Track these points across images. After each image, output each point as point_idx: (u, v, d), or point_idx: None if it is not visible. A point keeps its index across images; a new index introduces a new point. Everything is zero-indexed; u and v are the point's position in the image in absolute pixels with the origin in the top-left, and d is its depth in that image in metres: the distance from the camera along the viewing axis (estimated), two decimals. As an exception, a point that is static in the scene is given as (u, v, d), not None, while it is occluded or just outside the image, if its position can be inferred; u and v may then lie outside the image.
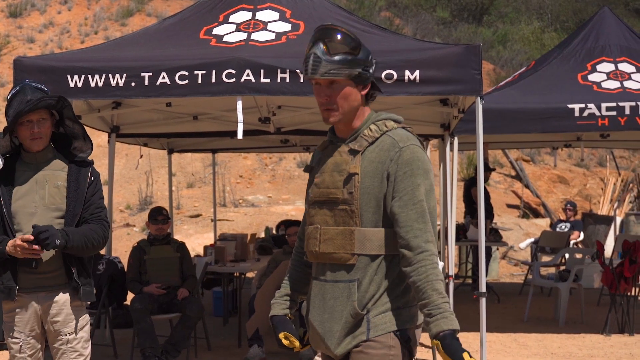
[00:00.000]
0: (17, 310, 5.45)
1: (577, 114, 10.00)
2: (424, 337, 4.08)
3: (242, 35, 8.12)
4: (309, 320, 4.04)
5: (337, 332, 3.87)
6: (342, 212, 3.88)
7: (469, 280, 15.83)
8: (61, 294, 5.47)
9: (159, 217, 9.94)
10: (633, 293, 11.87)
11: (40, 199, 5.42)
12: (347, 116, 3.93)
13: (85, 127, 5.77)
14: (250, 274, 12.99)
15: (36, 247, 5.16)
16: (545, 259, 15.77)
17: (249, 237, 13.13)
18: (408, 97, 8.29)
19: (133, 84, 7.55)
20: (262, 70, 7.43)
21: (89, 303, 5.67)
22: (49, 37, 34.00)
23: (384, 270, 3.85)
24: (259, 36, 8.09)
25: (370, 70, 3.91)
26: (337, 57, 3.85)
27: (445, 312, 3.67)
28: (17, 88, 5.46)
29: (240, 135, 7.53)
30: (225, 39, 8.12)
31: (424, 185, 3.80)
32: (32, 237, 5.15)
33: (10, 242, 5.26)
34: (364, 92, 3.93)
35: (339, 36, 3.87)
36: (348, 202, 3.86)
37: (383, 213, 3.84)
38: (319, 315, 3.96)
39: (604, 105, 10.00)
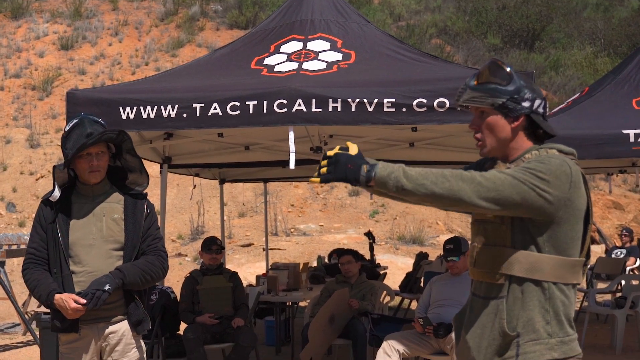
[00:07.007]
0: (76, 341, 5.46)
1: (632, 139, 9.81)
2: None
3: (294, 65, 8.08)
4: (461, 333, 4.03)
5: (484, 349, 3.84)
6: (494, 231, 3.86)
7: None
8: (120, 324, 5.49)
9: (213, 246, 9.93)
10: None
11: (98, 231, 5.43)
12: (496, 149, 3.96)
13: (139, 159, 5.78)
14: (302, 303, 12.94)
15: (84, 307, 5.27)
16: (601, 285, 15.55)
17: (301, 266, 13.10)
18: (460, 125, 8.22)
19: (185, 115, 7.52)
20: (313, 100, 7.34)
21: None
22: (100, 68, 34.38)
23: (535, 294, 3.76)
24: (310, 66, 8.05)
25: (523, 104, 3.88)
26: (481, 86, 3.91)
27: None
28: (76, 121, 5.46)
29: (292, 165, 7.48)
30: (276, 68, 8.10)
31: (521, 171, 3.66)
32: (83, 302, 5.25)
33: (58, 298, 5.31)
34: (514, 125, 3.91)
35: (491, 68, 3.93)
36: (498, 222, 3.83)
37: (533, 235, 3.76)
38: (472, 329, 3.93)
39: (659, 130, 9.83)
